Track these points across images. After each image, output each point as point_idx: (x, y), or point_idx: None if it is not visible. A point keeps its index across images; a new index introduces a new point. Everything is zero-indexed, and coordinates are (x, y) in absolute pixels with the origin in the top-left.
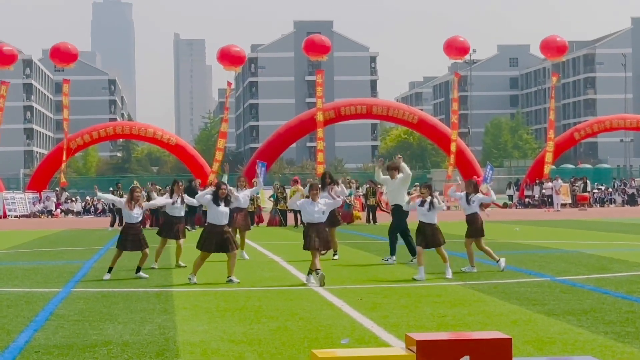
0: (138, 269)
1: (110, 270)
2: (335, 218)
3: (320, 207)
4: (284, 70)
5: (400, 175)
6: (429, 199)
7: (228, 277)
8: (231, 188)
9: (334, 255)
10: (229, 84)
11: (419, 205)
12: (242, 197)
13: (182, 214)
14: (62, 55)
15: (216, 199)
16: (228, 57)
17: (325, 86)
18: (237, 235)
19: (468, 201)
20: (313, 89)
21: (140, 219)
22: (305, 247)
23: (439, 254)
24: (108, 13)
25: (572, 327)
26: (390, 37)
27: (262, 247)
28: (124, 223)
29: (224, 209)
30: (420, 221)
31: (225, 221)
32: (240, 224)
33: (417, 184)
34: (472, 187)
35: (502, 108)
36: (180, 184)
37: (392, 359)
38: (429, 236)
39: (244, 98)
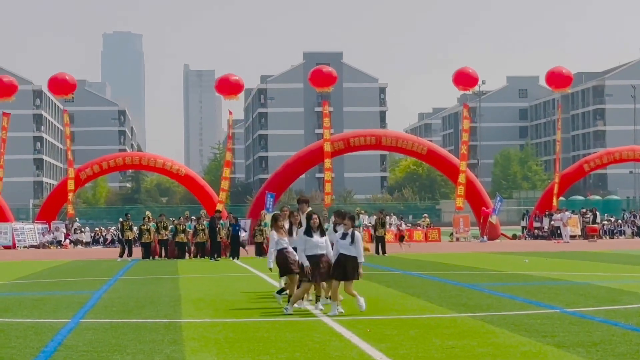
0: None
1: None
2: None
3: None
4: (293, 102)
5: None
6: (350, 231)
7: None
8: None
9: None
10: (230, 112)
11: (341, 239)
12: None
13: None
14: (60, 85)
15: (308, 231)
16: (226, 86)
17: (334, 117)
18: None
19: (344, 237)
20: (322, 119)
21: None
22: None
23: (345, 290)
24: (118, 44)
25: (581, 359)
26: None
27: (270, 277)
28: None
29: (318, 238)
30: (341, 253)
31: (322, 251)
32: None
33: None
34: (351, 222)
35: (511, 139)
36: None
37: None
38: (350, 269)
39: (254, 129)
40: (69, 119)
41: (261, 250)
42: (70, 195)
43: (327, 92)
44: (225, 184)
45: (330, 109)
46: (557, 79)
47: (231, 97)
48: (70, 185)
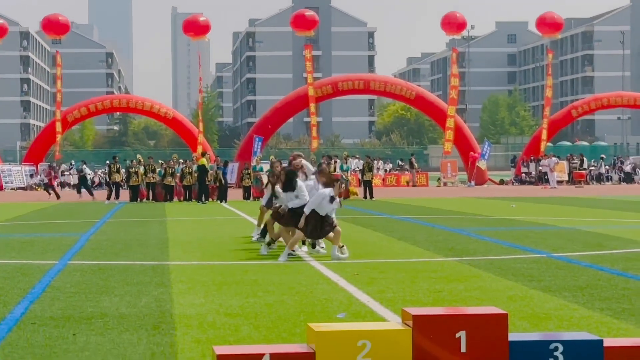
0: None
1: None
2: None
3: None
4: (282, 45)
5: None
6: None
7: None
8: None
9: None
10: (199, 56)
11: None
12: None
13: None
14: (54, 26)
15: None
16: (194, 27)
17: (322, 61)
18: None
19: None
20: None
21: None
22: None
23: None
24: None
25: (567, 304)
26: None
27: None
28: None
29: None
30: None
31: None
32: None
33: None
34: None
35: (499, 85)
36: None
37: (388, 333)
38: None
39: (242, 72)
40: (60, 60)
41: (249, 194)
42: (58, 138)
43: (309, 35)
44: (201, 127)
45: (318, 53)
46: (547, 24)
47: (199, 38)
48: (58, 127)
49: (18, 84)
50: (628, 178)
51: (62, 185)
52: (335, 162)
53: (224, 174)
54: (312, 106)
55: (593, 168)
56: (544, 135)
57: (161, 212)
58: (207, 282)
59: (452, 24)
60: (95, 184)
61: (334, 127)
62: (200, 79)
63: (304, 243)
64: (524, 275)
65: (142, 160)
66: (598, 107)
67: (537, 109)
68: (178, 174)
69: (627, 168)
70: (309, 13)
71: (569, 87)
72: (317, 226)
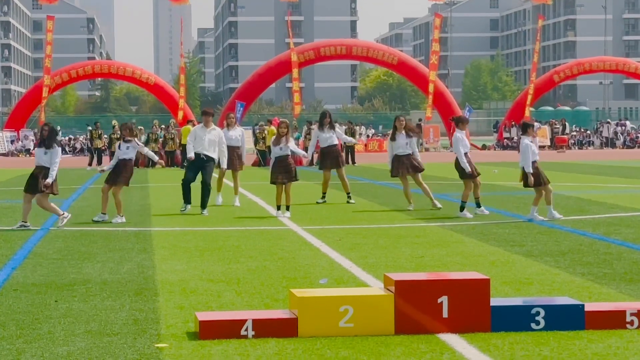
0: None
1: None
2: (338, 159)
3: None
4: (264, 10)
5: None
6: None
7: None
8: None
9: (349, 199)
10: (182, 19)
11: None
12: (234, 135)
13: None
14: None
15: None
16: None
17: (305, 26)
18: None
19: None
20: (294, 29)
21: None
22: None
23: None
24: None
25: (549, 268)
26: None
27: (241, 187)
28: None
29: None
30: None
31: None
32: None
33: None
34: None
35: (482, 50)
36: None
37: (370, 298)
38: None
39: (224, 38)
40: (52, 26)
41: None
42: (43, 103)
43: (293, 1)
44: (182, 91)
45: (300, 19)
46: None
47: (180, 3)
48: (45, 93)
49: None
50: (610, 143)
51: None
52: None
53: None
54: (295, 72)
55: (575, 133)
56: (529, 100)
57: (144, 178)
58: (190, 248)
59: None
60: (77, 150)
61: (317, 92)
62: (182, 44)
63: (287, 208)
64: (506, 240)
65: (116, 125)
66: (580, 72)
67: (520, 74)
68: (160, 140)
69: (609, 133)
70: None
71: (551, 52)
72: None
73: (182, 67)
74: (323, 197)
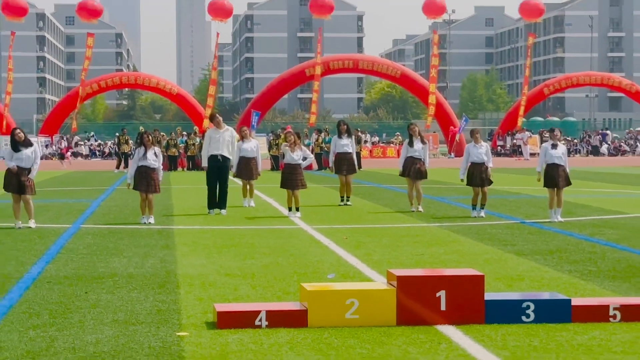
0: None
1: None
2: (352, 166)
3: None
4: (277, 27)
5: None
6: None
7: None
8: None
9: (347, 200)
10: (217, 34)
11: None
12: (249, 147)
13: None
14: (89, 10)
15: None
16: (218, 9)
17: (315, 42)
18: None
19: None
20: (304, 44)
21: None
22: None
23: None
24: None
25: (539, 266)
26: None
27: (255, 190)
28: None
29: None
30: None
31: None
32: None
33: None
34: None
35: (478, 64)
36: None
37: (374, 292)
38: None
39: (241, 52)
40: (92, 42)
41: None
42: (75, 112)
43: (325, 19)
44: (210, 101)
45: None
46: (531, 9)
47: (221, 20)
48: (79, 103)
49: (34, 62)
50: (595, 151)
51: (75, 155)
52: (326, 134)
53: None
54: (316, 84)
55: (563, 142)
56: (521, 111)
57: (166, 180)
58: (209, 245)
59: (433, 8)
60: (106, 154)
61: (326, 103)
62: (216, 57)
63: (297, 210)
64: (499, 240)
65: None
66: (568, 85)
67: (512, 87)
68: (182, 145)
69: (595, 141)
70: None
71: (542, 67)
72: None
73: (212, 79)
74: (342, 199)
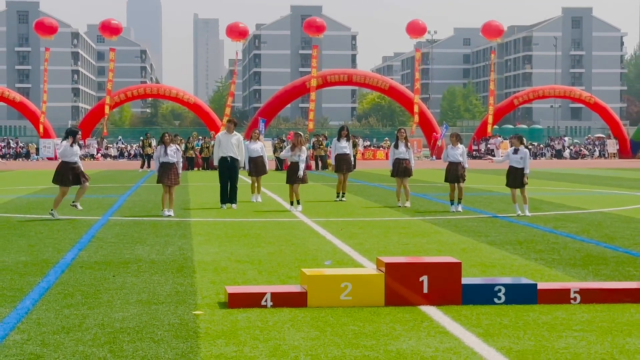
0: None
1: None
2: (350, 165)
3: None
4: (282, 45)
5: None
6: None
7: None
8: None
9: (343, 196)
10: (237, 53)
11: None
12: (255, 147)
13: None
14: (110, 29)
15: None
16: (235, 32)
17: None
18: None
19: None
20: (305, 60)
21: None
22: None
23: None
24: None
25: (509, 255)
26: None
27: (262, 187)
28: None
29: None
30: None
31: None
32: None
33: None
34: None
35: (456, 79)
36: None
37: (365, 277)
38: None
39: (250, 67)
40: (114, 56)
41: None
42: (105, 118)
43: (319, 37)
44: (228, 110)
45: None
46: (491, 30)
47: (239, 40)
48: (107, 110)
49: (69, 74)
50: (558, 155)
51: (105, 156)
52: (324, 138)
53: None
54: (313, 94)
55: (531, 147)
56: (490, 120)
57: (184, 179)
58: (221, 235)
59: (415, 29)
60: (131, 155)
61: (323, 111)
62: (235, 73)
63: (298, 203)
64: (474, 231)
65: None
66: (535, 97)
67: (486, 98)
68: (198, 148)
69: (558, 146)
70: (318, 20)
71: (512, 81)
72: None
73: (231, 92)
74: (337, 195)
